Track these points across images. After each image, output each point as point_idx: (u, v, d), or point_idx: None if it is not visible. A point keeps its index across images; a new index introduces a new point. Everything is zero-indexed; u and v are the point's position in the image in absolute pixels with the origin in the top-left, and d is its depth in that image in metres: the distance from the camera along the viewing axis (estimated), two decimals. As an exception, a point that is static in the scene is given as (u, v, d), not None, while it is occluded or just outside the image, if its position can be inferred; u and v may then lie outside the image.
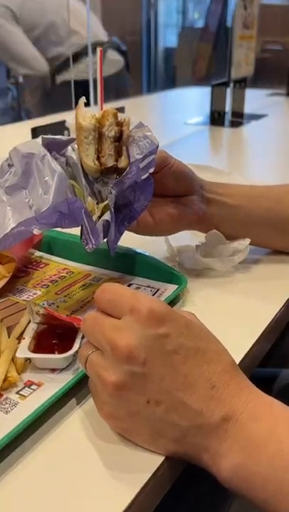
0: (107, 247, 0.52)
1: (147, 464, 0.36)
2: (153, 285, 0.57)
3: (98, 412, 0.38)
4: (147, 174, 0.50)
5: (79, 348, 0.43)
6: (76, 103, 0.50)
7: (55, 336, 0.46)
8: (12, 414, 0.38)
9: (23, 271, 0.61)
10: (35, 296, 0.56)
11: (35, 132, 1.10)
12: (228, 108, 1.58)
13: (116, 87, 2.34)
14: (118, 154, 0.50)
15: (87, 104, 0.50)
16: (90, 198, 0.52)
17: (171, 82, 4.49)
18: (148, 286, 0.56)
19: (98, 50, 0.53)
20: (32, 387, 0.41)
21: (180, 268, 0.62)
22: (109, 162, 0.49)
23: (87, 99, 0.50)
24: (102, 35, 2.44)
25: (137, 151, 0.50)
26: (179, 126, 1.54)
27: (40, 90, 2.36)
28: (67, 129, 1.19)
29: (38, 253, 0.66)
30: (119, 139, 0.50)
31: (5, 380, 0.41)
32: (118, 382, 0.35)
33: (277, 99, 2.02)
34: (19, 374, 0.42)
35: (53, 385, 0.41)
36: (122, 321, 0.36)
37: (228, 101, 1.56)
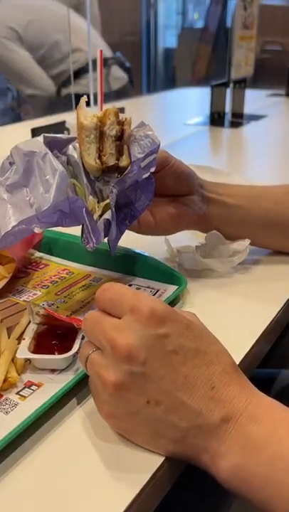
0: (108, 247, 0.52)
1: (147, 464, 0.36)
2: (153, 286, 0.57)
3: (98, 412, 0.38)
4: (148, 173, 0.50)
5: (79, 348, 0.43)
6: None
7: (55, 336, 0.46)
8: (12, 415, 0.38)
9: (23, 271, 0.61)
10: (35, 296, 0.56)
11: (35, 133, 1.11)
12: (227, 108, 1.58)
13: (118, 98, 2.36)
14: (119, 153, 0.50)
15: (87, 104, 0.50)
16: (91, 197, 0.52)
17: (170, 82, 4.49)
18: (148, 287, 0.56)
19: (98, 50, 0.53)
20: (32, 387, 0.41)
21: (180, 269, 0.62)
22: (111, 161, 0.49)
23: (88, 104, 0.50)
24: (106, 52, 2.47)
25: (138, 150, 0.50)
26: (178, 126, 1.54)
27: (44, 106, 2.37)
28: (68, 129, 1.19)
29: (38, 254, 0.66)
30: (120, 137, 0.50)
31: (5, 380, 0.41)
32: (118, 382, 0.35)
33: (277, 99, 2.02)
34: (19, 375, 0.42)
35: (52, 386, 0.41)
36: (122, 321, 0.36)
37: (227, 101, 1.56)
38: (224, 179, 0.66)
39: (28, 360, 0.44)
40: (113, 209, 0.49)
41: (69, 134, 1.14)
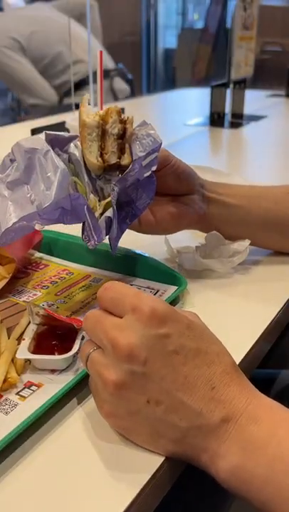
0: (109, 246, 0.52)
1: (147, 464, 0.36)
2: (153, 286, 0.57)
3: (98, 411, 0.38)
4: (150, 172, 0.50)
5: (79, 349, 0.43)
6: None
7: (54, 336, 0.46)
8: (12, 415, 0.38)
9: (23, 272, 0.61)
10: (35, 297, 0.56)
11: (35, 133, 1.10)
12: (227, 109, 1.58)
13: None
14: (121, 152, 0.50)
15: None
16: (92, 195, 0.51)
17: (170, 83, 4.49)
18: (148, 288, 0.56)
19: (98, 52, 0.53)
20: (32, 388, 0.41)
21: (180, 269, 0.62)
22: (112, 159, 0.49)
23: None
24: (109, 63, 2.48)
25: (139, 149, 0.50)
26: (178, 127, 1.54)
27: (45, 115, 2.39)
28: (67, 130, 1.19)
29: (38, 254, 0.66)
30: (122, 136, 0.50)
31: (5, 381, 0.41)
32: (118, 381, 0.35)
33: (277, 100, 2.02)
34: (19, 375, 0.42)
35: (52, 386, 0.41)
36: (123, 320, 0.36)
37: (227, 102, 1.56)
38: (224, 180, 0.66)
39: (27, 361, 0.44)
40: (114, 207, 0.49)
41: (69, 134, 1.14)
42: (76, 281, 0.59)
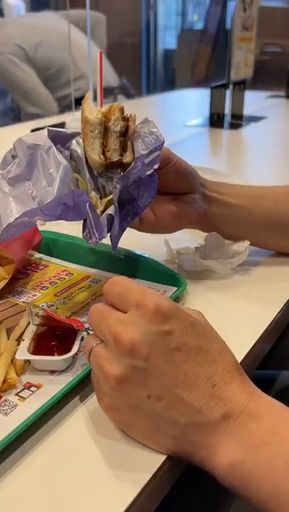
0: (110, 243, 0.52)
1: (148, 464, 0.36)
2: (153, 287, 0.57)
3: (98, 404, 0.38)
4: (152, 170, 0.50)
5: (78, 349, 0.43)
6: None
7: (54, 337, 0.46)
8: (11, 416, 0.38)
9: (22, 272, 0.61)
10: (34, 297, 0.55)
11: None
12: (227, 110, 1.58)
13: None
14: (123, 149, 0.49)
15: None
16: (93, 193, 0.51)
17: (170, 84, 4.49)
18: (148, 288, 0.56)
19: (98, 53, 0.53)
20: (31, 388, 0.41)
21: (179, 270, 0.62)
22: (114, 157, 0.49)
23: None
24: (113, 81, 2.46)
25: (142, 147, 0.50)
26: (178, 128, 1.54)
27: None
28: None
29: (37, 255, 0.66)
30: (124, 134, 0.49)
31: (4, 381, 0.41)
32: (120, 375, 0.35)
33: (277, 101, 2.02)
34: (18, 376, 0.42)
35: (52, 387, 0.41)
36: (127, 315, 0.36)
37: (227, 103, 1.56)
38: (224, 180, 0.66)
39: (27, 362, 0.44)
40: (116, 205, 0.49)
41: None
42: (76, 282, 0.59)
